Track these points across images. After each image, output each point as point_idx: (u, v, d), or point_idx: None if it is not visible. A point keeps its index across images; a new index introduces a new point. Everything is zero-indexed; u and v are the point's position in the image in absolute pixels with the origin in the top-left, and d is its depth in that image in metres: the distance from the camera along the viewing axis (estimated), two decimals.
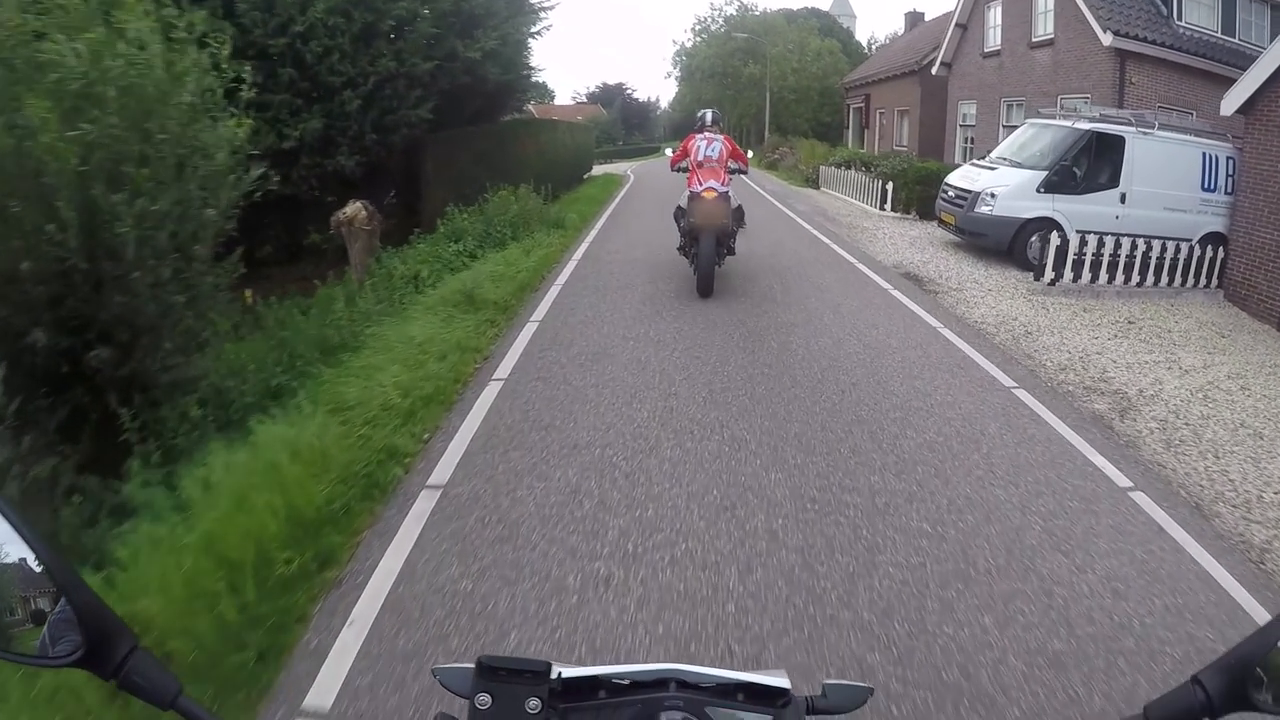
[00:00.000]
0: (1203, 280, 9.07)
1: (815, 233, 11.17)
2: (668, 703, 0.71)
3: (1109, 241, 8.36)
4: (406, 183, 14.77)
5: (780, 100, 36.50)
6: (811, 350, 5.51)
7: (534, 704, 0.69)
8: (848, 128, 29.15)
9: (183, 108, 4.23)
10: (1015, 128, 14.85)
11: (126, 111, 3.88)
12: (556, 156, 18.09)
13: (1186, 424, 4.87)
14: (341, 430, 3.97)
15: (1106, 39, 11.21)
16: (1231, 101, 8.86)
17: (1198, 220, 9.32)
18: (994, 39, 15.43)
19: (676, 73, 45.67)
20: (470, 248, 9.44)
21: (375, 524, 3.31)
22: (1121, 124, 9.01)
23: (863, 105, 26.31)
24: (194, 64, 4.39)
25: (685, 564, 2.91)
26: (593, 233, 11.21)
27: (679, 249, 7.46)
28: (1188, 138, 9.27)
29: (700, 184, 6.85)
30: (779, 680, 0.74)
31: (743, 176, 8.22)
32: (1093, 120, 9.07)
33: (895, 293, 7.50)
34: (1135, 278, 8.60)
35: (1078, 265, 8.26)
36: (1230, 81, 11.60)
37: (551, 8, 15.56)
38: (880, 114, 24.46)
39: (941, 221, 10.44)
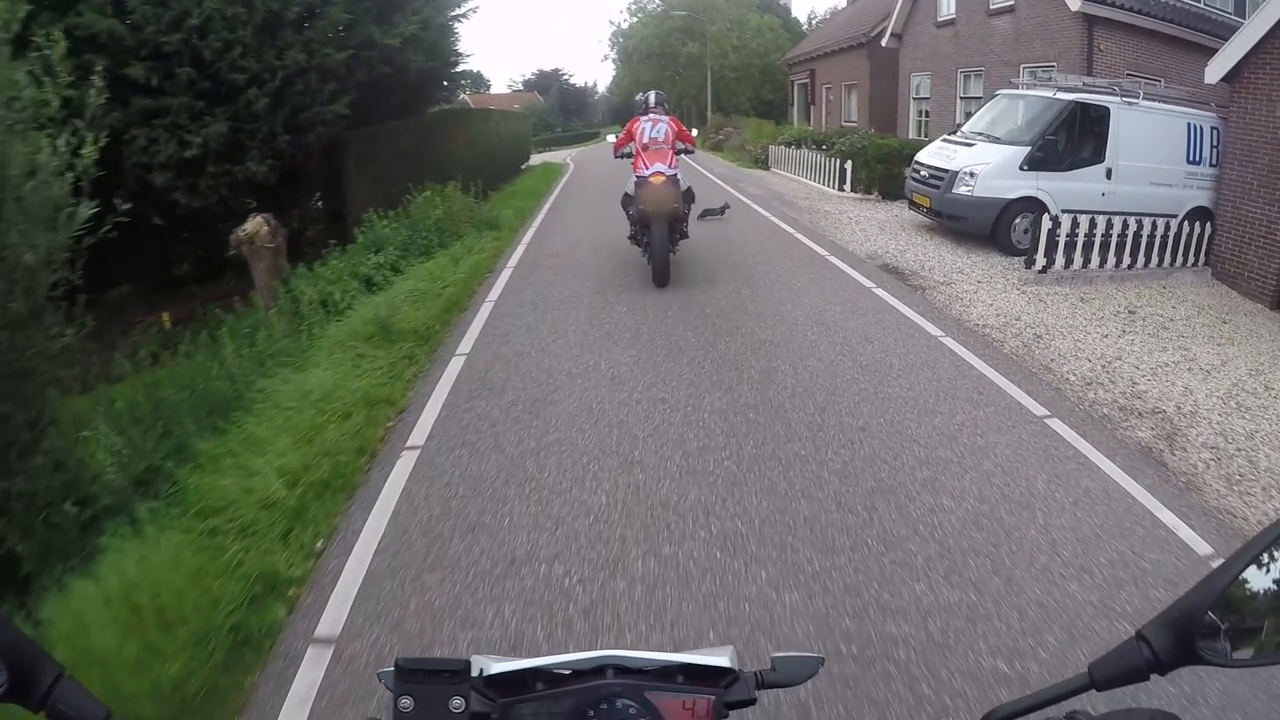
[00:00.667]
0: (1190, 258, 8.49)
1: (775, 220, 10.21)
2: (605, 690, 0.69)
3: (1100, 222, 7.65)
4: (329, 186, 13.39)
5: (721, 79, 35.57)
6: (801, 379, 4.55)
7: (457, 703, 0.68)
8: (792, 105, 28.37)
9: None
10: (974, 99, 14.28)
11: None
12: (490, 148, 16.75)
13: (1237, 449, 4.17)
14: (206, 552, 2.87)
15: (1075, 3, 10.50)
16: (1216, 69, 8.24)
17: (1183, 195, 8.72)
18: (948, 7, 14.66)
19: (614, 55, 44.16)
20: (392, 259, 8.20)
21: (246, 710, 2.26)
22: (1105, 94, 8.28)
23: (808, 81, 25.50)
24: None
25: None
26: (530, 231, 10.04)
27: (629, 237, 7.15)
28: (1172, 107, 8.61)
29: (647, 168, 6.50)
30: (720, 659, 0.72)
31: (688, 159, 7.74)
32: (1073, 90, 8.31)
33: (879, 291, 6.62)
34: (1126, 260, 7.93)
35: (1069, 249, 7.53)
36: (1199, 48, 11.11)
37: None
38: (827, 89, 23.70)
39: (913, 204, 9.62)
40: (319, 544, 3.11)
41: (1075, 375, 5.04)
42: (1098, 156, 8.35)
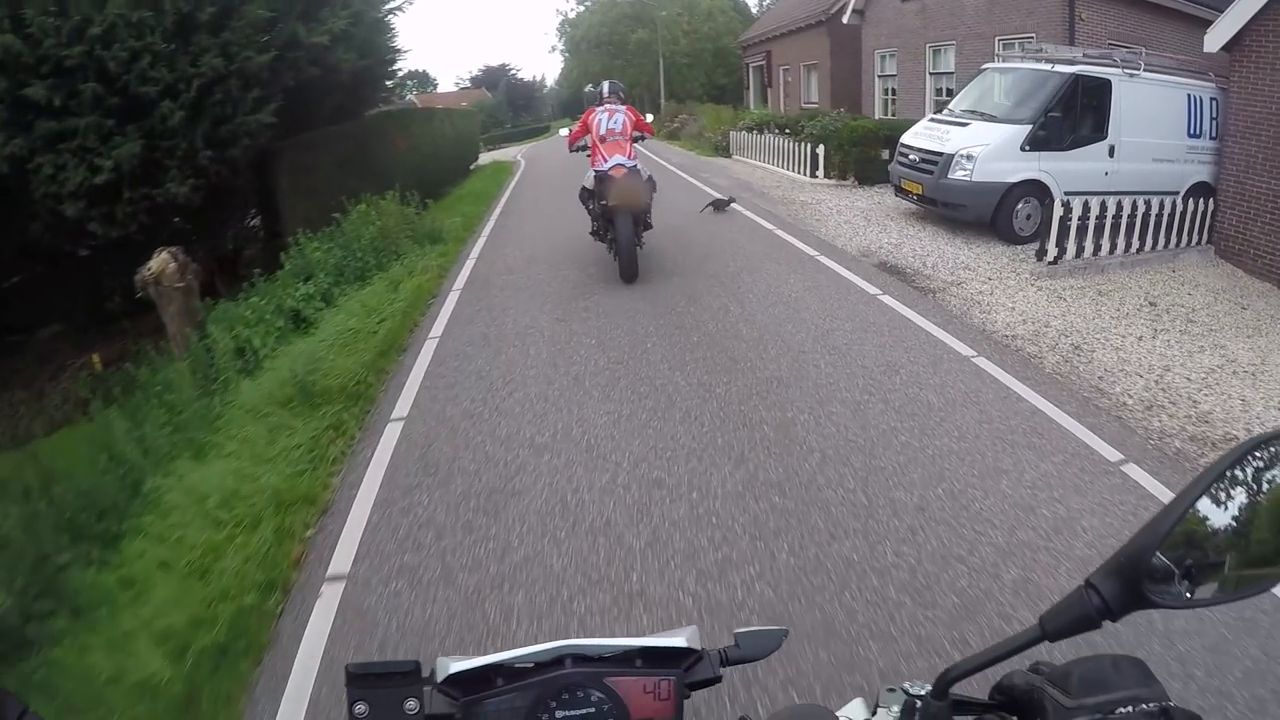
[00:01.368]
0: (1193, 237, 7.93)
1: (750, 215, 9.33)
2: (564, 680, 0.67)
3: (1110, 205, 6.98)
4: (264, 202, 12.19)
5: (673, 65, 34.60)
6: (827, 434, 3.69)
7: (411, 705, 0.66)
8: (748, 88, 27.56)
9: None
10: (944, 75, 13.61)
11: None
12: (435, 150, 15.57)
13: None
14: None
15: None
16: (1216, 37, 7.64)
17: (1185, 170, 8.14)
18: None
19: (561, 46, 42.77)
20: (324, 287, 7.16)
21: None
22: (1106, 65, 7.59)
23: (764, 63, 24.69)
24: None
25: None
26: (480, 242, 9.00)
27: (591, 233, 6.95)
28: (1172, 78, 7.98)
29: (606, 161, 6.30)
30: (679, 641, 0.70)
31: (643, 149, 7.31)
32: (1071, 62, 7.60)
33: (886, 299, 5.83)
34: (1134, 243, 7.30)
35: (1079, 235, 6.85)
36: (1179, 15, 10.56)
37: None
38: (784, 71, 22.92)
39: (901, 190, 8.85)
40: None
41: (1131, 398, 4.31)
42: (1099, 133, 7.69)
